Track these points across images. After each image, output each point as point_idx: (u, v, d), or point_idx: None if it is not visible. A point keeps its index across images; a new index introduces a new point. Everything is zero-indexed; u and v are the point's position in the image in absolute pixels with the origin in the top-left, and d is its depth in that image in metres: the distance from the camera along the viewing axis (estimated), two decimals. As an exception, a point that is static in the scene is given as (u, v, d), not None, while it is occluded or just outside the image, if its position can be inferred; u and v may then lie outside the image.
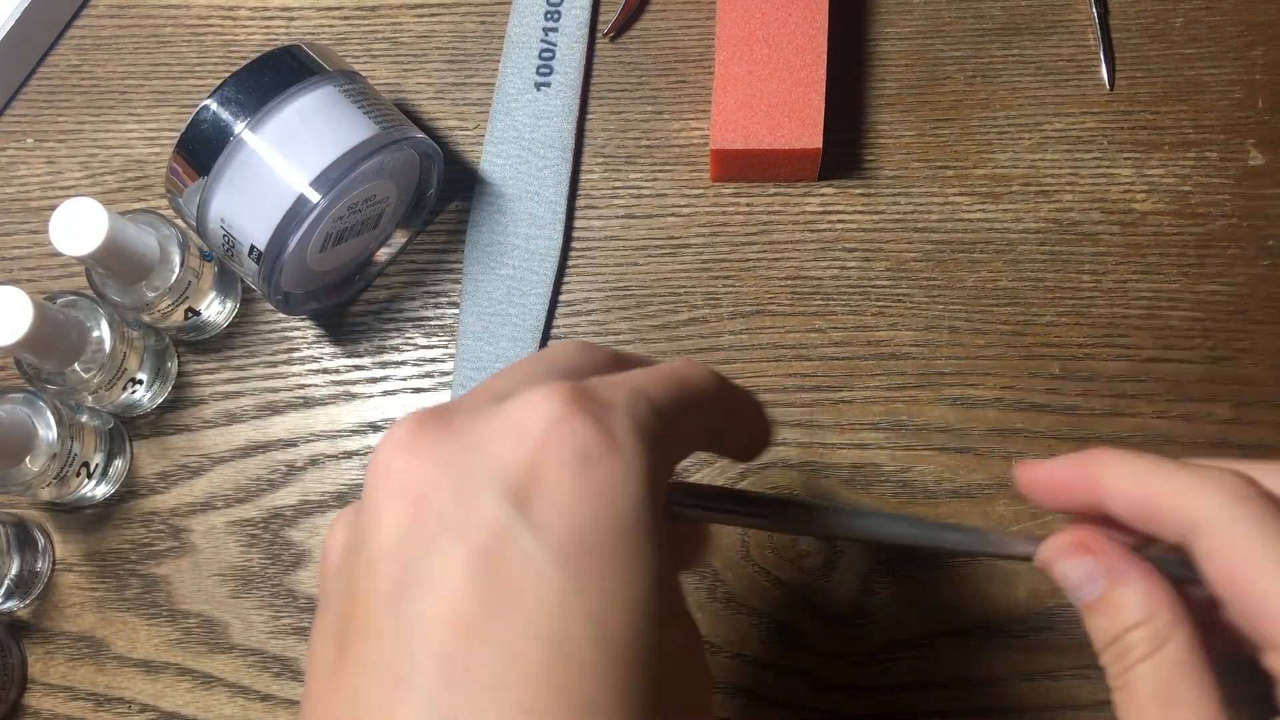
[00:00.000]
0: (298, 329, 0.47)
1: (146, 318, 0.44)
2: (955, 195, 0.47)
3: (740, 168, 0.46)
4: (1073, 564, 0.28)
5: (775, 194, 0.47)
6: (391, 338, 0.46)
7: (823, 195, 0.47)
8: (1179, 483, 0.27)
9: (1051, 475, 0.29)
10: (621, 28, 0.49)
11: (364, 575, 0.22)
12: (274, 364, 0.46)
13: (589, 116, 0.48)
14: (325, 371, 0.46)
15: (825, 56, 0.45)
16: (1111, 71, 0.47)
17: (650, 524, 0.22)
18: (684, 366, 0.26)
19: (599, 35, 0.49)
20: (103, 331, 0.43)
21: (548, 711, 0.20)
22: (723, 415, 0.27)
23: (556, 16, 0.49)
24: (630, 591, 0.21)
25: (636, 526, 0.22)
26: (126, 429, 0.46)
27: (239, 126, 0.40)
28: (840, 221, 0.47)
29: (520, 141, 0.47)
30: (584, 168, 0.48)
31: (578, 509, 0.21)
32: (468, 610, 0.20)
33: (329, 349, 0.47)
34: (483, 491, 0.21)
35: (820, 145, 0.44)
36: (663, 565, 0.22)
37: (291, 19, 0.50)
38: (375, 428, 0.45)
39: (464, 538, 0.21)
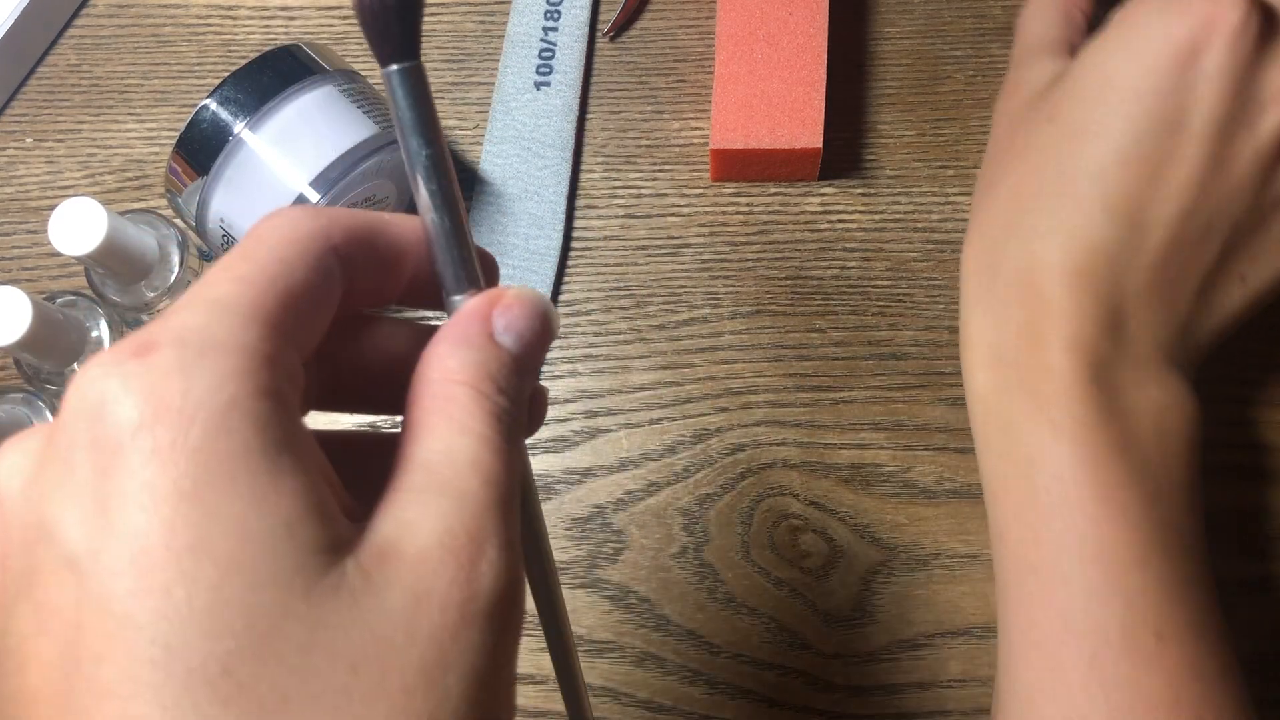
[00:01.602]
0: (297, 329, 0.47)
1: (146, 318, 0.44)
2: (956, 195, 0.47)
3: (740, 167, 0.46)
4: None
5: (775, 194, 0.47)
6: (391, 338, 0.46)
7: (823, 195, 0.47)
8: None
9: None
10: (621, 27, 0.49)
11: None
12: (273, 364, 0.46)
13: (589, 116, 0.48)
14: (325, 371, 0.46)
15: (825, 56, 0.45)
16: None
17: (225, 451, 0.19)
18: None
19: (599, 35, 0.49)
20: (102, 332, 0.43)
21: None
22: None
23: (556, 16, 0.49)
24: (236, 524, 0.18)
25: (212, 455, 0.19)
26: (126, 429, 0.46)
27: (238, 126, 0.40)
28: (840, 221, 0.46)
29: (520, 141, 0.47)
30: (584, 167, 0.48)
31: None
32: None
33: (328, 349, 0.46)
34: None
35: (820, 145, 0.44)
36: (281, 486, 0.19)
37: (291, 18, 0.50)
38: (375, 428, 0.45)
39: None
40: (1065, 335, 0.35)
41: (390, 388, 0.24)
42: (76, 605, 0.18)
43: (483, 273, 0.25)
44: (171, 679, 0.17)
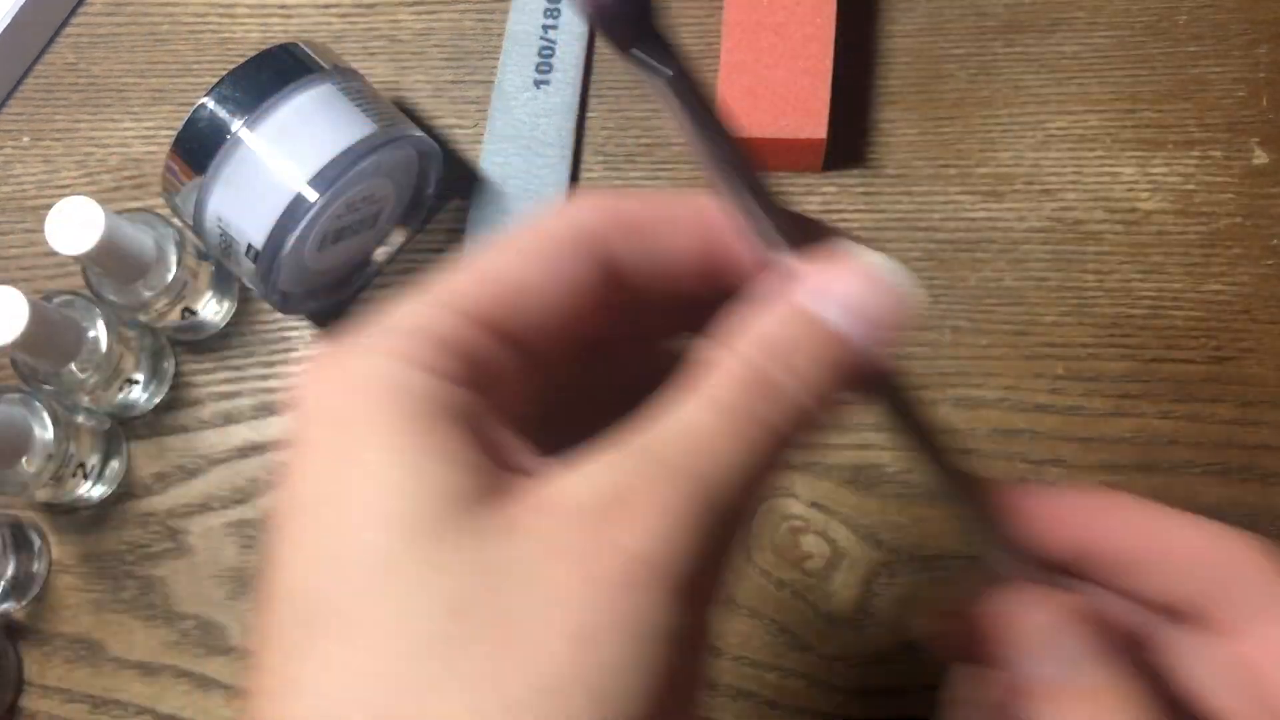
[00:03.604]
0: (295, 329, 0.47)
1: (143, 317, 0.44)
2: (958, 194, 0.46)
3: (741, 166, 0.46)
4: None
5: (777, 192, 0.47)
6: (390, 337, 0.46)
7: (825, 194, 0.47)
8: (1214, 541, 0.23)
9: (1057, 506, 0.25)
10: (621, 25, 0.49)
11: None
12: (271, 364, 0.46)
13: (589, 114, 0.48)
14: (323, 371, 0.46)
15: (833, 46, 0.45)
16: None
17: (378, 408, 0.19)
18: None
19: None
20: (99, 331, 0.42)
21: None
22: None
23: (556, 14, 0.49)
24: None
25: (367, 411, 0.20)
26: (123, 430, 0.46)
27: (236, 125, 0.40)
28: (842, 220, 0.46)
29: (520, 140, 0.47)
30: (584, 166, 0.47)
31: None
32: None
33: (327, 349, 0.46)
34: None
35: (825, 135, 0.44)
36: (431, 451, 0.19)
37: (289, 16, 0.50)
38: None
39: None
40: None
41: None
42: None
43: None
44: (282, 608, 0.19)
